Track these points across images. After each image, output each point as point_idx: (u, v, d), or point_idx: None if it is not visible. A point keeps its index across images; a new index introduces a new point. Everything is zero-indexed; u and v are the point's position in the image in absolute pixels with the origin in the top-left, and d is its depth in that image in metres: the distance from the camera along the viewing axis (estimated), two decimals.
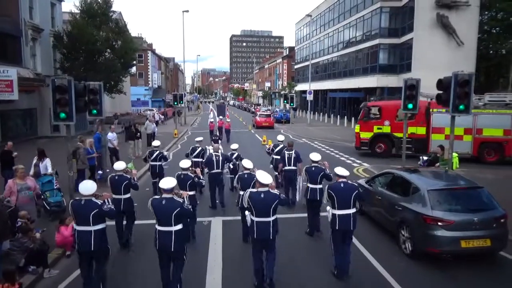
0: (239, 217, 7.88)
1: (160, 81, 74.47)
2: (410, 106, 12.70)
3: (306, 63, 58.56)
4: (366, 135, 19.37)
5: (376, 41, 35.83)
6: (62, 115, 9.31)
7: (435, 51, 30.80)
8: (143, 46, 65.53)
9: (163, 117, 42.20)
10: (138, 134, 18.79)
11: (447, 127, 16.41)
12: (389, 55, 36.45)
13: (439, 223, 6.79)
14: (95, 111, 12.29)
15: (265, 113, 38.46)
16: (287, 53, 78.35)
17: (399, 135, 17.43)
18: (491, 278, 6.66)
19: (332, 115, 43.96)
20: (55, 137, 23.91)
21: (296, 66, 65.47)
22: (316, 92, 49.75)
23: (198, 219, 8.63)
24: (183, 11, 38.16)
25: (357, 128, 19.90)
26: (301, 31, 61.59)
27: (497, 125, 16.88)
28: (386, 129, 18.91)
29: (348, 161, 17.75)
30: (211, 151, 10.65)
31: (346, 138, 26.25)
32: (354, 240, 7.44)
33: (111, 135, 15.48)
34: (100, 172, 14.64)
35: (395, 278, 6.54)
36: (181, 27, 39.34)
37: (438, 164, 11.02)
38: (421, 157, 12.00)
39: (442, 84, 10.40)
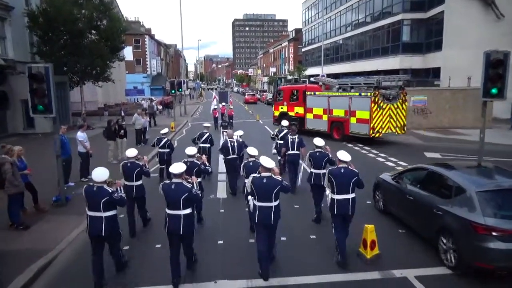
0: None
1: (160, 67, 70.48)
2: (494, 91, 8.89)
3: (315, 45, 54.30)
4: (276, 114, 23.27)
5: (399, 17, 31.58)
6: None
7: (470, 26, 26.61)
8: (140, 31, 61.47)
9: (160, 107, 38.29)
10: (122, 131, 14.95)
11: (314, 108, 20.29)
12: (412, 32, 32.24)
13: (493, 233, 5.51)
14: (41, 106, 8.66)
15: (251, 93, 59.08)
16: (294, 35, 73.80)
17: (291, 113, 21.86)
18: None
19: None
20: (29, 135, 20.36)
21: (303, 49, 61.14)
22: (327, 76, 45.54)
23: None
24: None
25: (273, 108, 24.41)
26: (309, 10, 57.05)
27: (341, 106, 18.58)
28: (285, 109, 22.64)
29: (390, 164, 13.92)
30: (226, 137, 10.69)
31: None
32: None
33: (81, 135, 11.75)
34: (71, 183, 11.07)
35: None
36: (183, 14, 35.30)
37: None
38: None
39: None
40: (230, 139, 10.37)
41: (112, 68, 27.51)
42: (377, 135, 17.24)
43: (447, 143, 18.05)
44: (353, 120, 17.94)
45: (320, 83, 23.41)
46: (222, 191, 10.59)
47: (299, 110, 21.41)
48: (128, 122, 20.97)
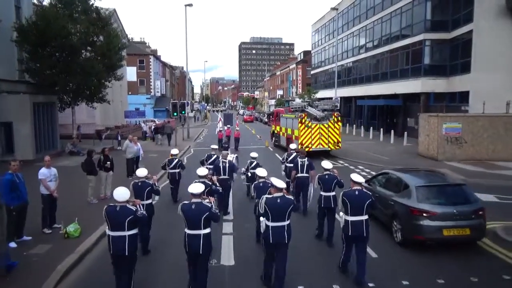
0: None
1: (165, 89, 68.81)
2: None
3: (325, 68, 52.20)
4: (271, 131, 28.72)
5: (420, 37, 29.20)
6: None
7: (502, 47, 24.18)
8: (145, 51, 60.05)
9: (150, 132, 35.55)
10: (108, 163, 12.28)
11: (282, 127, 24.54)
12: (434, 53, 29.82)
13: (424, 214, 7.63)
14: None
15: (249, 114, 70.52)
16: (302, 57, 72.16)
17: (275, 131, 26.63)
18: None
19: (362, 126, 37.18)
20: (7, 161, 17.71)
21: (312, 72, 59.13)
22: (340, 99, 43.01)
23: None
24: (185, 5, 32.20)
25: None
26: (319, 32, 55.35)
27: (290, 126, 22.48)
28: (273, 127, 27.92)
29: None
30: (220, 157, 10.78)
31: (396, 160, 19.64)
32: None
33: (43, 173, 9.07)
34: (26, 238, 8.26)
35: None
36: (190, 37, 33.47)
37: None
38: None
39: None
40: (223, 160, 10.44)
41: (109, 88, 25.25)
42: (306, 149, 19.44)
43: (495, 180, 15.22)
44: (293, 137, 21.33)
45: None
46: (228, 252, 7.79)
47: (278, 128, 25.93)
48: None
